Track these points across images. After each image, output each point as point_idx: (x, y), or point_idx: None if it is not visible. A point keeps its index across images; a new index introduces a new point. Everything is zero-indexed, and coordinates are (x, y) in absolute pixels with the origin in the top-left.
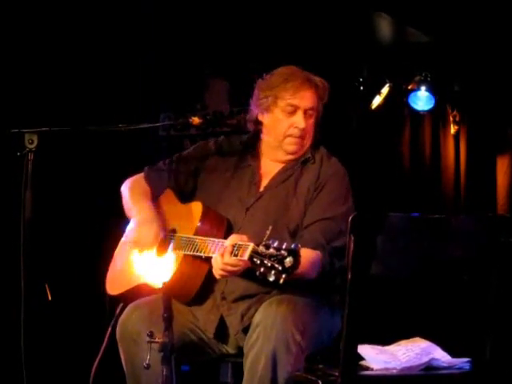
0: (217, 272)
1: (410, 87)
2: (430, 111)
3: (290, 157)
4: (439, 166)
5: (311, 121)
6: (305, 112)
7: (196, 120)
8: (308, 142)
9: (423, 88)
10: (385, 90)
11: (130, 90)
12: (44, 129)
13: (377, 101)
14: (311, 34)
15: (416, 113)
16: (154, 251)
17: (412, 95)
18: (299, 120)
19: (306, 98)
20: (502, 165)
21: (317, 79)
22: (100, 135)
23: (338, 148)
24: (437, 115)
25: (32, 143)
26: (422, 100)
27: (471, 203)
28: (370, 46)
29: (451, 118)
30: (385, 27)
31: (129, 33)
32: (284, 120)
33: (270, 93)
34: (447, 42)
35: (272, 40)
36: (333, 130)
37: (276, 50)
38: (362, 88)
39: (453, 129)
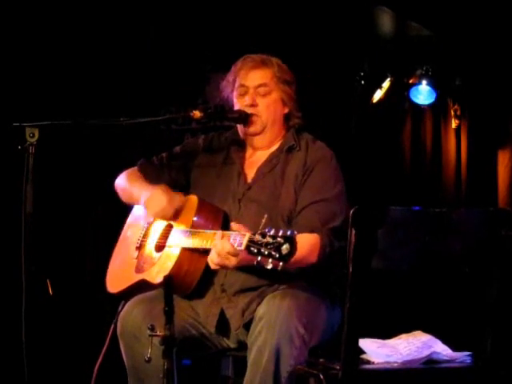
0: (213, 261)
1: (411, 81)
2: (431, 105)
3: (258, 139)
4: (440, 160)
5: (266, 99)
6: (255, 90)
7: (197, 114)
8: (268, 120)
9: (424, 82)
10: (386, 84)
11: (131, 84)
12: (45, 122)
13: (378, 95)
14: (313, 29)
15: (417, 107)
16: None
17: (413, 89)
18: (247, 97)
19: (254, 77)
20: (503, 158)
21: (273, 60)
22: (101, 129)
23: (339, 142)
24: (438, 109)
25: (33, 137)
26: (423, 94)
27: (472, 197)
28: (371, 40)
29: (452, 112)
30: (386, 21)
31: (130, 27)
32: (239, 102)
33: (228, 83)
34: (448, 35)
35: (273, 34)
36: (334, 124)
37: (277, 44)
38: (363, 82)
39: (454, 123)
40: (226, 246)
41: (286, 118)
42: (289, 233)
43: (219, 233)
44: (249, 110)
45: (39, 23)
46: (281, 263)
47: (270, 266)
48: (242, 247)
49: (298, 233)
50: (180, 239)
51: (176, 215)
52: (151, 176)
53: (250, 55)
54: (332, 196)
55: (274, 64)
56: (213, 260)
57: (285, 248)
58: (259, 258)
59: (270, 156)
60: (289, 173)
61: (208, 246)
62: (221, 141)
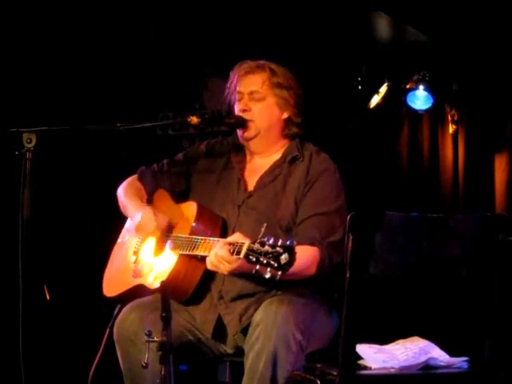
0: (209, 261)
1: (408, 86)
2: (428, 110)
3: (253, 144)
4: (437, 165)
5: (260, 104)
6: (250, 96)
7: (194, 119)
8: (262, 125)
9: (421, 87)
10: (383, 89)
11: (129, 90)
12: (42, 128)
13: (375, 100)
14: (310, 34)
15: (414, 112)
16: (156, 239)
17: (410, 94)
18: (241, 103)
19: (247, 83)
20: (500, 163)
21: (266, 65)
22: (98, 134)
23: (336, 147)
24: (435, 114)
25: (30, 142)
26: (420, 99)
27: (469, 202)
28: (368, 46)
29: (449, 117)
30: (383, 26)
31: (127, 32)
32: (236, 108)
33: (230, 90)
34: (445, 41)
35: (271, 39)
36: (331, 129)
37: (275, 49)
38: (360, 87)
39: (451, 128)
40: (221, 251)
41: (286, 124)
42: (288, 242)
43: (222, 241)
44: (243, 116)
45: (36, 26)
46: (279, 273)
47: (268, 276)
48: (241, 255)
49: (297, 244)
50: (178, 245)
51: (172, 222)
52: (150, 184)
53: (247, 61)
54: (333, 210)
55: (267, 69)
56: (210, 260)
57: (283, 258)
58: (258, 267)
59: (272, 165)
60: (291, 183)
61: (206, 254)
62: (223, 146)
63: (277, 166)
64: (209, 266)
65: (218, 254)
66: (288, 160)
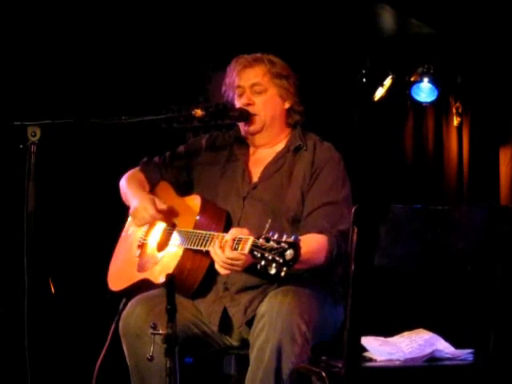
0: (219, 267)
1: (412, 79)
2: (432, 103)
3: (259, 137)
4: (442, 158)
5: (262, 96)
6: (251, 89)
7: (198, 112)
8: (267, 117)
9: (426, 80)
10: (387, 81)
11: (133, 83)
12: (46, 121)
13: (379, 93)
14: (314, 27)
15: (419, 104)
16: (158, 226)
17: (415, 87)
18: (244, 97)
19: (247, 76)
20: (504, 156)
21: (264, 57)
22: (102, 128)
23: (341, 140)
24: (439, 107)
25: (35, 136)
26: (424, 92)
27: (474, 194)
28: (372, 38)
29: (454, 110)
30: (387, 19)
31: (132, 25)
32: (238, 103)
33: (227, 86)
34: (450, 33)
35: (275, 32)
36: (336, 122)
37: (278, 43)
38: (364, 80)
39: (456, 120)
40: (228, 254)
41: (288, 113)
42: (293, 238)
43: (216, 246)
44: (248, 109)
45: (41, 22)
46: (284, 269)
47: (273, 272)
48: (246, 251)
49: (307, 233)
50: (182, 239)
51: (176, 216)
52: (153, 175)
53: (243, 55)
54: (340, 199)
55: (265, 61)
56: (219, 267)
57: (289, 253)
58: (263, 263)
59: (276, 155)
60: (296, 173)
61: (210, 248)
62: (225, 139)
63: (281, 155)
64: (222, 272)
65: (227, 256)
66: (292, 149)
